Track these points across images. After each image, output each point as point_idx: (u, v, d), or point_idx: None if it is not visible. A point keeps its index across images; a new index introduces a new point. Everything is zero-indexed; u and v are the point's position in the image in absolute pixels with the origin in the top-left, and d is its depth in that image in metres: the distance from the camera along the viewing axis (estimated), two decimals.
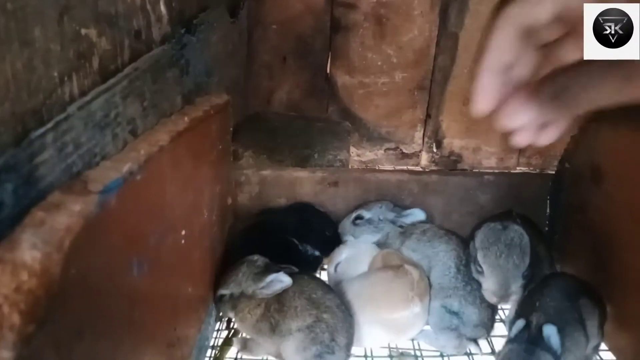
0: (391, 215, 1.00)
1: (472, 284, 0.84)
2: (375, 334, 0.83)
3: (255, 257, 0.80)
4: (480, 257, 0.80)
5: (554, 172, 1.07)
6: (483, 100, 0.38)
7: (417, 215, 1.00)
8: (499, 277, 0.78)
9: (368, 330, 0.82)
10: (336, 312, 0.76)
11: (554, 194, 1.05)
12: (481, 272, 0.80)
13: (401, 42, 1.24)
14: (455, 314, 0.83)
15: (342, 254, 0.96)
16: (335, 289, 0.86)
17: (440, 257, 0.89)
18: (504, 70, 0.38)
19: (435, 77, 1.27)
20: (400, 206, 1.03)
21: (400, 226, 0.99)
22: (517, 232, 0.80)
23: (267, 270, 0.76)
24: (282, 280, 0.75)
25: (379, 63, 1.26)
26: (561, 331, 0.69)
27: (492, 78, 0.38)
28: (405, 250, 0.95)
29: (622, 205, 0.82)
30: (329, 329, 0.74)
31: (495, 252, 0.78)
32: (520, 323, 0.72)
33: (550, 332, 0.68)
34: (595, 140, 0.92)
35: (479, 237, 0.82)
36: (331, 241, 0.99)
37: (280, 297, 0.76)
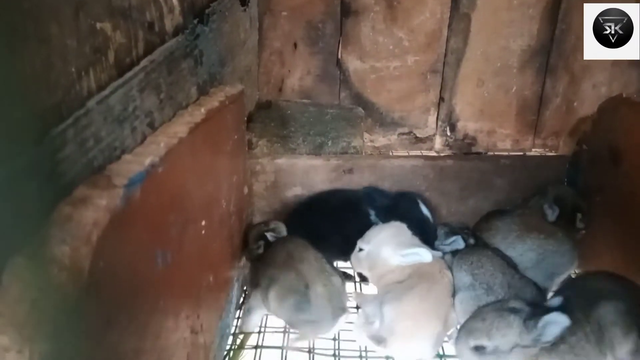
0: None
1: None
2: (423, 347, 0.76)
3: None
4: None
5: (570, 155, 1.06)
6: None
7: (458, 243, 0.92)
8: None
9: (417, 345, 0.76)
10: (312, 264, 0.79)
11: (571, 176, 1.04)
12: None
13: (412, 25, 1.22)
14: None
15: (379, 234, 0.90)
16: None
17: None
18: None
19: (448, 59, 1.26)
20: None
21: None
22: None
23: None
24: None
25: (391, 47, 1.24)
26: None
27: None
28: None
29: None
30: (303, 277, 0.76)
31: None
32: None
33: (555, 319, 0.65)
34: (614, 121, 0.90)
35: None
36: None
37: (265, 253, 0.84)
